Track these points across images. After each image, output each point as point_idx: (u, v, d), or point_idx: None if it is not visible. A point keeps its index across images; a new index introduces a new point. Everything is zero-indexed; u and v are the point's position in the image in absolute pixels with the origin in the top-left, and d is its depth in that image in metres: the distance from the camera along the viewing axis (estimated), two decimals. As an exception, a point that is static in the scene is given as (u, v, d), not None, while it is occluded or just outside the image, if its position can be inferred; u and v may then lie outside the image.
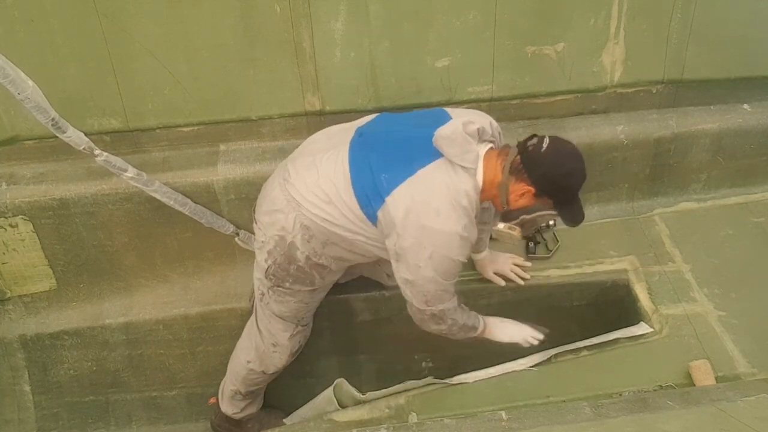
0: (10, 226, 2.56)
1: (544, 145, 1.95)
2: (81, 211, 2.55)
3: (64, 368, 2.83)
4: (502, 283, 2.50)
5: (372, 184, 1.98)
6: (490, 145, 2.06)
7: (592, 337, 2.30)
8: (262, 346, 2.42)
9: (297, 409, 2.66)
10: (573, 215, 2.07)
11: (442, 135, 1.95)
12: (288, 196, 2.08)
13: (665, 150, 2.67)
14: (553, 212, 2.03)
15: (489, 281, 2.50)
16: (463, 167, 1.95)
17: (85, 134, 2.23)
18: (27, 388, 2.86)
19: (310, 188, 2.05)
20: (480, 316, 2.24)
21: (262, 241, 2.18)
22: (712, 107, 2.70)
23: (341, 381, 2.32)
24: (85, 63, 2.37)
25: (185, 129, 2.55)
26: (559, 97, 2.61)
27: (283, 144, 2.58)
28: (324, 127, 2.52)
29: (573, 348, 2.26)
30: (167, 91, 2.44)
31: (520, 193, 1.98)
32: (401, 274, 2.03)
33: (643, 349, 2.23)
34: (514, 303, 2.61)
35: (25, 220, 2.55)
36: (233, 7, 2.30)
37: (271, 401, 2.79)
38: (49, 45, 2.32)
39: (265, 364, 2.46)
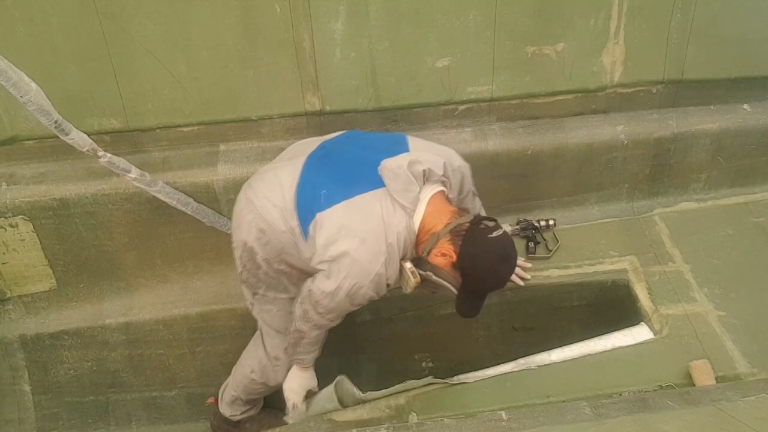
0: (10, 226, 2.56)
1: (494, 234, 1.92)
2: (81, 211, 2.55)
3: (64, 368, 2.83)
4: (502, 282, 2.49)
5: (311, 198, 2.00)
6: (441, 187, 2.03)
7: (592, 337, 2.30)
8: (265, 359, 2.42)
9: (297, 408, 2.66)
10: (468, 307, 2.05)
11: (387, 167, 1.95)
12: (247, 199, 2.12)
13: (665, 150, 2.67)
14: (454, 291, 1.99)
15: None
16: (401, 204, 1.94)
17: (85, 134, 2.23)
18: (27, 388, 2.86)
19: (264, 193, 2.08)
20: (312, 361, 2.27)
21: (234, 247, 2.21)
22: (712, 107, 2.70)
23: (342, 378, 2.32)
24: (85, 63, 2.37)
25: (185, 129, 2.55)
26: (559, 97, 2.61)
27: (283, 144, 2.57)
28: (324, 127, 2.53)
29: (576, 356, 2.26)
30: (167, 91, 2.44)
31: (443, 253, 1.94)
32: (308, 283, 2.05)
33: (643, 349, 2.23)
34: (514, 303, 2.62)
35: (25, 220, 2.55)
36: (233, 7, 2.30)
37: (271, 401, 2.79)
38: (49, 45, 2.32)
39: (266, 377, 2.46)
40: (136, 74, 2.40)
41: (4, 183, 2.55)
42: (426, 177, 1.99)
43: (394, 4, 2.34)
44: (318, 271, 2.01)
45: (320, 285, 2.00)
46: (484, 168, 2.59)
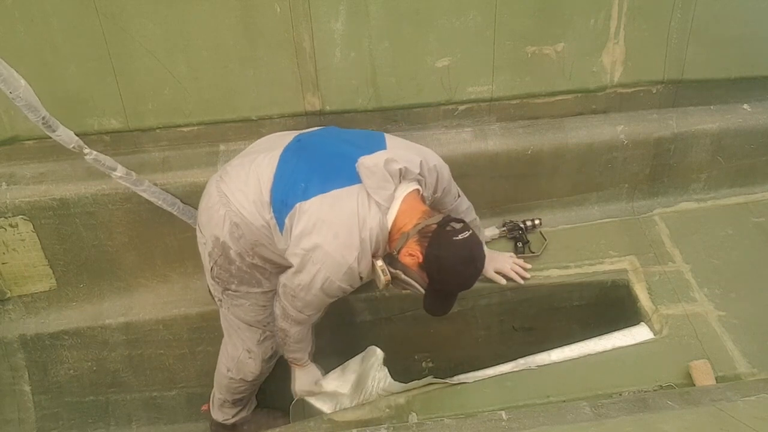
0: (10, 226, 2.56)
1: (460, 236, 1.90)
2: (81, 211, 2.55)
3: (64, 368, 2.83)
4: (503, 281, 2.50)
5: (289, 190, 2.01)
6: (416, 186, 2.04)
7: (592, 337, 2.30)
8: (237, 353, 2.43)
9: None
10: (435, 305, 2.05)
11: (364, 164, 1.97)
12: (220, 192, 2.11)
13: (665, 150, 2.67)
14: (421, 291, 1.99)
15: (490, 280, 2.50)
16: (376, 201, 1.95)
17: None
18: (27, 388, 2.86)
19: (239, 186, 2.09)
20: (307, 358, 2.36)
21: (203, 243, 2.20)
22: (712, 107, 2.70)
23: (373, 348, 2.39)
24: (85, 63, 2.37)
25: (185, 129, 2.55)
26: (559, 97, 2.61)
27: (283, 144, 2.58)
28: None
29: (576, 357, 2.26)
30: (167, 91, 2.44)
31: (410, 253, 1.94)
32: (281, 278, 2.10)
33: (643, 349, 2.23)
34: (514, 303, 2.62)
35: (25, 220, 2.55)
36: (233, 7, 2.30)
37: (271, 401, 2.79)
38: (49, 45, 2.32)
39: (243, 372, 2.46)
40: (136, 74, 2.40)
41: (4, 183, 2.55)
42: (402, 175, 2.00)
43: (394, 4, 2.34)
44: (291, 263, 2.04)
45: (294, 278, 2.04)
46: (484, 168, 2.60)
